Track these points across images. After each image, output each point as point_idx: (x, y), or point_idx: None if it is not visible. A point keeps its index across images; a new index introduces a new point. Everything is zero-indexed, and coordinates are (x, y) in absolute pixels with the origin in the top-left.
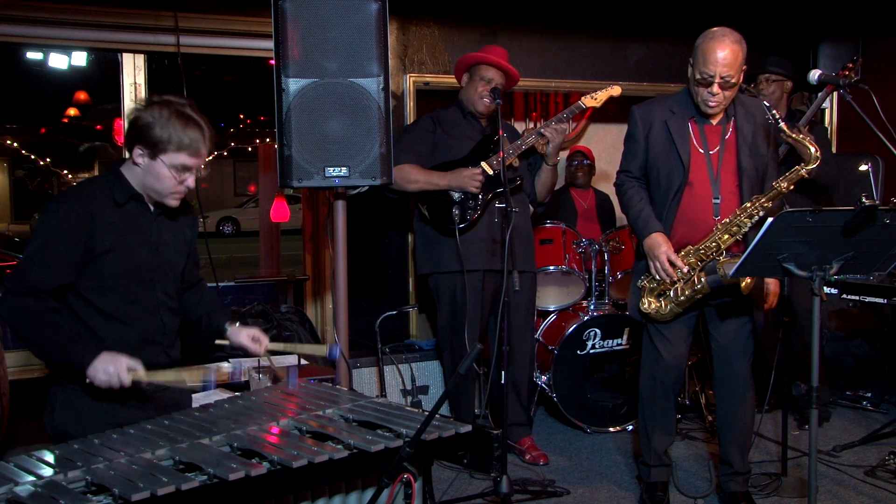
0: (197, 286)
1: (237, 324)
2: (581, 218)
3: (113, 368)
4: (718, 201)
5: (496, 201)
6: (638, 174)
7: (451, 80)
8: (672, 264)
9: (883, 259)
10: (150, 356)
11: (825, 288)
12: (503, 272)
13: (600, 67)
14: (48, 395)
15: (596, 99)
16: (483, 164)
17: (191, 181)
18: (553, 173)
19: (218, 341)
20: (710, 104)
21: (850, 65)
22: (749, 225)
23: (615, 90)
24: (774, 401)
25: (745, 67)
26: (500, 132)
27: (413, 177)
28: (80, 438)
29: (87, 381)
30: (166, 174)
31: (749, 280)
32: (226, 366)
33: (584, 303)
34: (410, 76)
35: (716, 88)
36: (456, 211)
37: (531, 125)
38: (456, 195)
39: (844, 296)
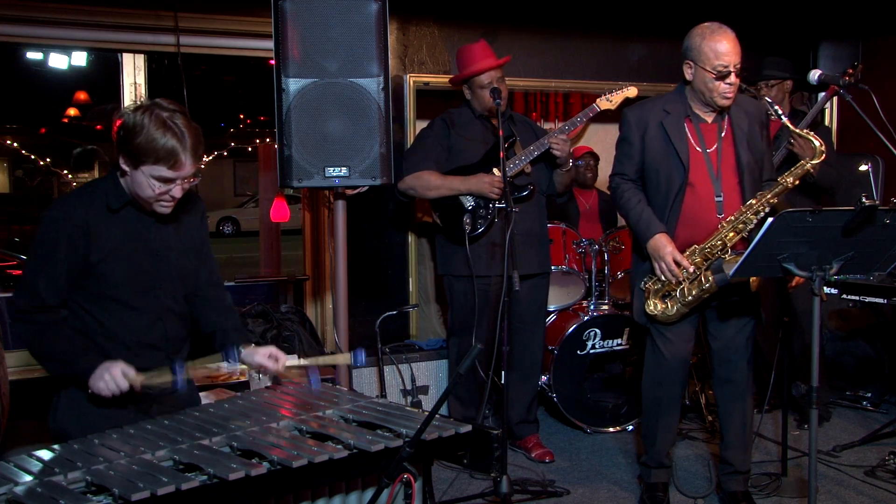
0: (208, 295)
1: (252, 344)
2: (583, 218)
3: (108, 376)
4: (721, 199)
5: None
6: (633, 177)
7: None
8: (678, 264)
9: (883, 259)
10: (151, 362)
11: (825, 288)
12: (509, 275)
13: (600, 67)
14: (53, 397)
15: (611, 101)
16: (495, 170)
17: (176, 191)
18: (569, 174)
19: (239, 366)
20: (729, 95)
21: (851, 70)
22: (755, 222)
23: (631, 91)
24: (774, 401)
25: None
26: (500, 132)
27: (433, 183)
28: (79, 438)
29: (90, 391)
30: (148, 185)
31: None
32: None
33: (584, 303)
34: (410, 76)
35: (734, 78)
36: (467, 219)
37: (549, 125)
38: (468, 204)
39: (844, 296)
